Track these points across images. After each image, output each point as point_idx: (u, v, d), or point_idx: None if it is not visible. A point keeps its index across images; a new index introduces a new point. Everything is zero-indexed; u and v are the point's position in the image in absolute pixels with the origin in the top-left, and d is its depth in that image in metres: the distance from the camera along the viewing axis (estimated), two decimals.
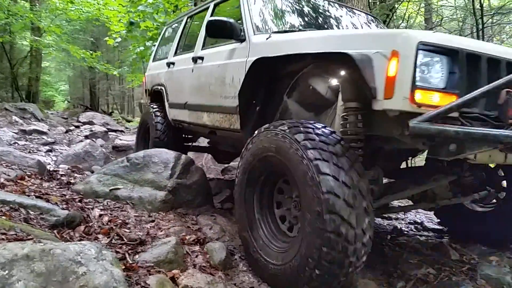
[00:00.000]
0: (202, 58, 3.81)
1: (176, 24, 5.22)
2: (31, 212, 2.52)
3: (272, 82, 2.85)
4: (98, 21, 14.51)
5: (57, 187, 3.50)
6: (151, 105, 4.97)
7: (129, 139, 7.18)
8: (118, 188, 3.28)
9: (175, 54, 4.74)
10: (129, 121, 17.26)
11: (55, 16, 15.58)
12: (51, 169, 4.31)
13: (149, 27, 8.77)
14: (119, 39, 10.02)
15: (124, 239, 2.50)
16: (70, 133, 8.99)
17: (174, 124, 4.58)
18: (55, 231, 2.44)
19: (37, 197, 2.92)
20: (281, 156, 2.15)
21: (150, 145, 4.66)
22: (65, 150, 6.42)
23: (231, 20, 3.06)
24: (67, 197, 3.17)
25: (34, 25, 14.84)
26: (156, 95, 5.06)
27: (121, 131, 10.97)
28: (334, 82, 2.46)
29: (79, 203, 3.03)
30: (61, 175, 4.10)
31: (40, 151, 6.51)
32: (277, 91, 2.84)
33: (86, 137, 8.11)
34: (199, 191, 3.54)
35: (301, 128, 2.11)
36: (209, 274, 2.34)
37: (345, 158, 1.96)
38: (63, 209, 2.68)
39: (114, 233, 2.54)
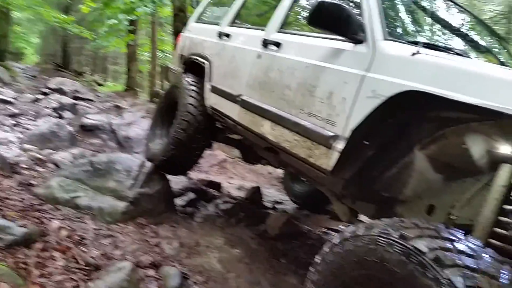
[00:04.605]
0: (278, 44, 2.81)
1: None
2: None
3: (406, 124, 1.95)
4: None
5: (18, 188, 3.48)
6: (187, 78, 3.87)
7: (97, 118, 7.06)
8: (79, 196, 3.29)
9: (233, 23, 3.70)
10: (100, 85, 16.86)
11: None
12: (11, 160, 4.23)
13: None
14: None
15: (80, 262, 2.55)
16: (38, 102, 8.76)
17: (211, 113, 3.62)
18: (10, 252, 2.46)
19: None
20: (391, 279, 1.39)
21: (173, 132, 3.65)
22: (31, 125, 6.29)
23: (349, 9, 2.13)
24: (25, 202, 3.17)
25: None
26: (193, 66, 4.03)
27: (91, 100, 10.74)
28: (504, 149, 1.68)
29: (38, 213, 3.04)
30: (22, 168, 4.05)
31: (4, 125, 6.35)
32: (406, 138, 1.98)
33: (54, 109, 7.93)
34: (161, 200, 3.60)
35: (427, 234, 1.39)
36: None
37: (508, 285, 1.28)
38: (20, 226, 2.68)
39: (71, 255, 2.59)
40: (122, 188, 3.40)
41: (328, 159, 2.10)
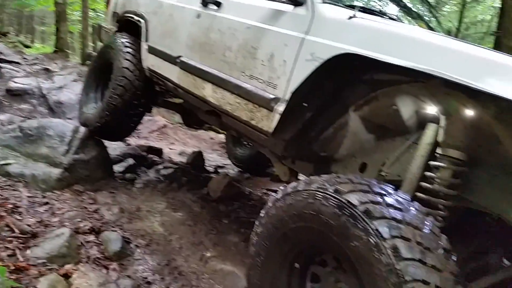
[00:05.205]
0: (218, 4, 2.74)
1: None
2: None
3: (342, 86, 2.02)
4: None
5: None
6: (122, 39, 3.65)
7: (25, 82, 6.60)
8: (10, 164, 3.11)
9: None
10: (27, 47, 15.62)
11: None
12: None
13: None
14: None
15: (15, 230, 2.44)
16: None
17: (149, 75, 3.47)
18: None
19: None
20: (327, 230, 1.50)
21: (107, 98, 3.48)
22: None
23: None
24: None
25: None
26: (129, 25, 3.81)
27: (18, 62, 9.97)
28: (431, 109, 1.78)
29: None
30: None
31: None
32: (342, 100, 2.07)
33: None
34: (98, 166, 3.49)
35: (359, 189, 1.50)
36: (103, 267, 2.44)
37: (430, 233, 1.40)
38: None
39: (4, 223, 2.47)
40: (56, 154, 3.25)
41: (269, 121, 2.14)
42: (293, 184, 1.71)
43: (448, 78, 1.42)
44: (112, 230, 2.80)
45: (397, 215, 1.39)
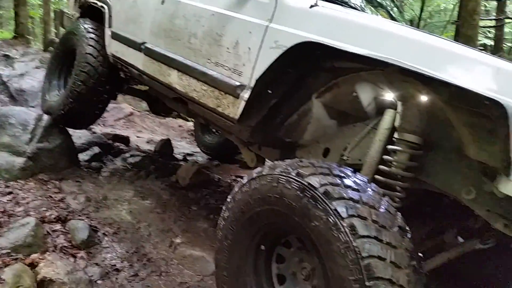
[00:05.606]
0: None
1: None
2: None
3: (305, 74, 2.06)
4: None
5: None
6: (85, 25, 3.59)
7: None
8: None
9: None
10: None
11: None
12: None
13: None
14: None
15: None
16: None
17: (113, 61, 3.43)
18: None
19: None
20: (289, 212, 1.55)
21: (71, 85, 3.43)
22: None
23: None
24: None
25: None
26: (92, 11, 3.74)
27: None
28: (388, 96, 1.84)
29: None
30: None
31: None
32: (306, 87, 2.11)
33: None
34: (62, 154, 3.44)
35: (319, 172, 1.55)
36: (70, 256, 2.43)
37: (386, 213, 1.48)
38: None
39: None
40: (19, 143, 3.19)
41: (235, 108, 2.16)
42: (258, 169, 1.76)
43: (402, 65, 1.49)
44: (79, 219, 2.78)
45: (355, 195, 1.46)
